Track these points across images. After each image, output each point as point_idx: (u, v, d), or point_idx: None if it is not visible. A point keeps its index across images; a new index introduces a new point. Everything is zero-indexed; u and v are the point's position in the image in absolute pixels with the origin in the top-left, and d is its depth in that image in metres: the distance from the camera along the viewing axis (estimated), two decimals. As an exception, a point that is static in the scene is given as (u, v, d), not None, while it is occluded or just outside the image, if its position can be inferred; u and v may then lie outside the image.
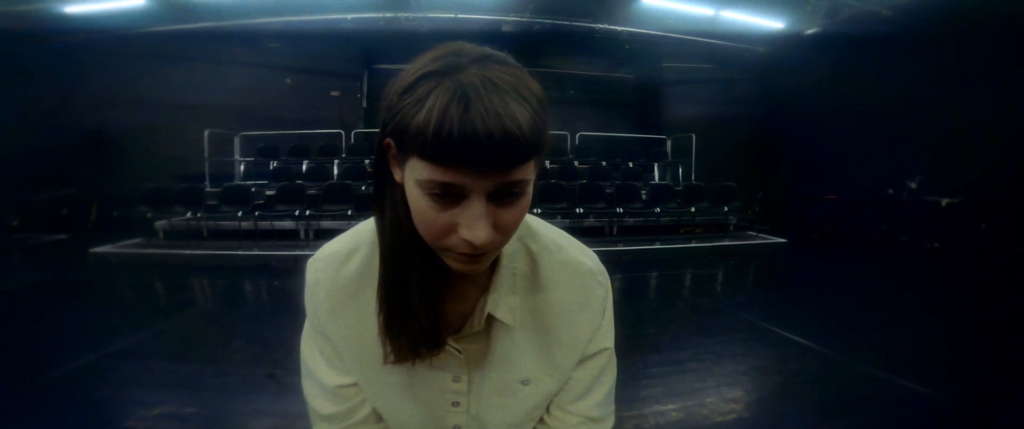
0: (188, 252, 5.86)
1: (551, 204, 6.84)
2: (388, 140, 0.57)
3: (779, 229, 7.72)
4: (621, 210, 6.88)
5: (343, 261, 0.71)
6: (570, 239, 0.79)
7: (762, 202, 9.94)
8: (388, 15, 8.67)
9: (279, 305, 4.36)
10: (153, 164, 8.94)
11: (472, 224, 0.52)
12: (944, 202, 6.93)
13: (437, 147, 0.47)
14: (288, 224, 6.54)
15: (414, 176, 0.52)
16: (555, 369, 0.75)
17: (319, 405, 0.76)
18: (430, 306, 0.64)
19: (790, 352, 3.19)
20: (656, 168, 9.38)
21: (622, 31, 9.35)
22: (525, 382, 0.75)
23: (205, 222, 6.49)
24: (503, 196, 0.53)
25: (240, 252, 5.88)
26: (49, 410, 2.37)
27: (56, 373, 2.72)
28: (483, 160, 0.48)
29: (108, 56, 9.07)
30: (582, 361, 0.77)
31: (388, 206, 0.62)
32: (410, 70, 0.54)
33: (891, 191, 7.82)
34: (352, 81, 10.17)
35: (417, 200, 0.54)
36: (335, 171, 7.85)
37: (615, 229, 7.15)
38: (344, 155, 8.36)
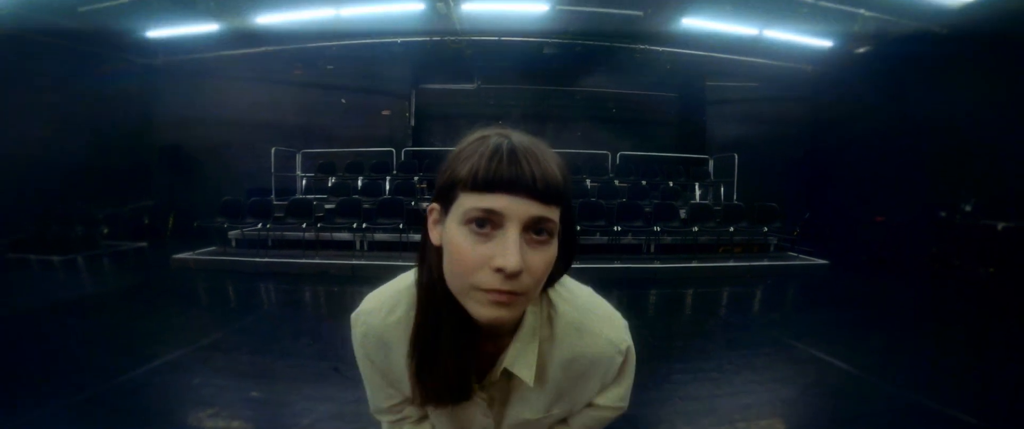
0: (258, 260, 6.45)
1: (590, 221, 7.12)
2: (433, 205, 0.69)
3: (825, 251, 7.67)
4: (658, 228, 7.08)
5: (387, 314, 0.80)
6: (597, 305, 0.84)
7: (809, 223, 9.86)
8: (435, 38, 9.22)
9: (338, 308, 4.86)
10: (223, 178, 9.79)
11: (505, 252, 0.60)
12: (1000, 226, 6.72)
13: (486, 176, 0.61)
14: (345, 235, 7.05)
15: (459, 213, 0.63)
16: (569, 406, 0.86)
17: (375, 408, 0.93)
18: (458, 357, 0.72)
19: (811, 367, 3.38)
20: (697, 187, 9.47)
21: (663, 51, 9.54)
22: (547, 417, 0.85)
23: (272, 233, 7.08)
24: (534, 234, 0.63)
25: (303, 260, 6.43)
26: (153, 396, 2.82)
27: (156, 363, 3.21)
28: (523, 188, 0.60)
29: (184, 77, 10.06)
30: (594, 406, 0.86)
31: (425, 266, 0.73)
32: (457, 148, 0.67)
33: (943, 214, 7.62)
34: (401, 100, 10.75)
35: (458, 240, 0.63)
36: (387, 187, 8.35)
37: (652, 247, 7.33)
38: (395, 172, 8.87)
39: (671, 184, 9.11)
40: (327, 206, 7.41)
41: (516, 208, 0.60)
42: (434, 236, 0.69)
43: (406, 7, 8.26)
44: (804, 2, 7.52)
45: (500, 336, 0.77)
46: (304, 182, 9.12)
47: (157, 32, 8.87)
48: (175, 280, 5.98)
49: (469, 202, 0.62)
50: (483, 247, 0.61)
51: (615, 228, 7.08)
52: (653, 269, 6.61)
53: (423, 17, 8.48)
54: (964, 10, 7.11)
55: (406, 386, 0.81)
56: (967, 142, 7.28)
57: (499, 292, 0.61)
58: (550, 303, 0.79)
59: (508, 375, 0.78)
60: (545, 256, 0.64)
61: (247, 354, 3.40)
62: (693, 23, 8.57)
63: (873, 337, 4.18)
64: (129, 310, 4.67)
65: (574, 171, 9.23)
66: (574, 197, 7.49)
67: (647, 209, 7.52)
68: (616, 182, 8.91)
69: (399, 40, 9.32)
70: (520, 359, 0.75)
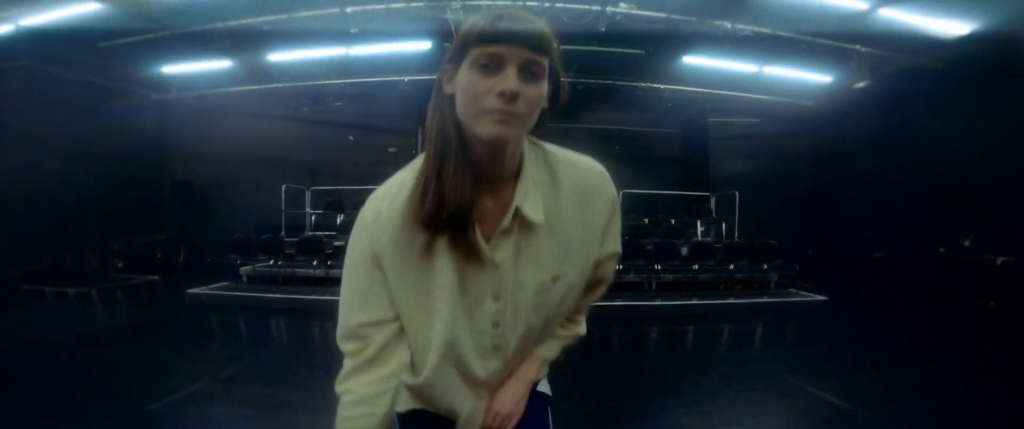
0: (270, 296, 6.65)
1: (593, 260, 7.25)
2: (446, 66, 0.85)
3: (826, 287, 7.73)
4: (659, 267, 7.24)
5: (396, 192, 0.90)
6: (581, 155, 1.00)
7: (811, 259, 9.94)
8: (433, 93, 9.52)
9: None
10: (233, 213, 10.00)
11: (506, 81, 0.77)
12: (999, 260, 6.79)
13: (491, 32, 0.77)
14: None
15: (470, 61, 0.79)
16: (577, 261, 0.95)
17: (343, 344, 0.94)
18: (461, 186, 0.82)
19: (802, 401, 3.52)
20: (699, 225, 9.64)
21: (665, 89, 9.75)
22: (555, 278, 0.93)
23: (284, 269, 7.30)
24: (527, 74, 0.79)
25: (314, 297, 6.62)
26: (180, 426, 2.99)
27: (179, 394, 3.38)
28: (518, 38, 0.77)
29: (196, 112, 10.30)
30: (598, 263, 1.00)
31: (437, 112, 0.87)
32: (467, 21, 0.82)
33: (942, 249, 7.68)
34: (408, 138, 10.93)
35: (471, 78, 0.79)
36: (394, 227, 8.53)
37: (654, 284, 7.48)
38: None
39: (673, 222, 9.31)
40: (336, 243, 7.63)
41: (513, 52, 0.77)
42: (448, 88, 0.85)
43: (413, 47, 8.58)
44: (802, 39, 7.69)
45: (503, 185, 0.90)
46: (313, 219, 9.35)
47: (172, 68, 9.20)
48: (190, 314, 6.19)
49: (478, 51, 0.78)
50: (489, 81, 0.78)
51: (617, 267, 7.23)
52: (654, 307, 6.75)
53: (429, 56, 8.75)
54: (959, 44, 7.22)
55: (395, 300, 0.91)
56: (965, 177, 7.36)
57: (502, 112, 0.78)
58: (540, 148, 0.95)
59: (517, 231, 0.89)
60: (536, 90, 0.80)
61: (264, 386, 3.58)
62: (694, 61, 8.81)
63: (867, 372, 4.28)
64: (148, 342, 4.87)
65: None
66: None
67: (648, 247, 7.68)
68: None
69: (406, 78, 9.54)
70: (528, 200, 0.88)
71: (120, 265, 8.56)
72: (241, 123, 10.48)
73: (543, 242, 0.91)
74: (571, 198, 0.93)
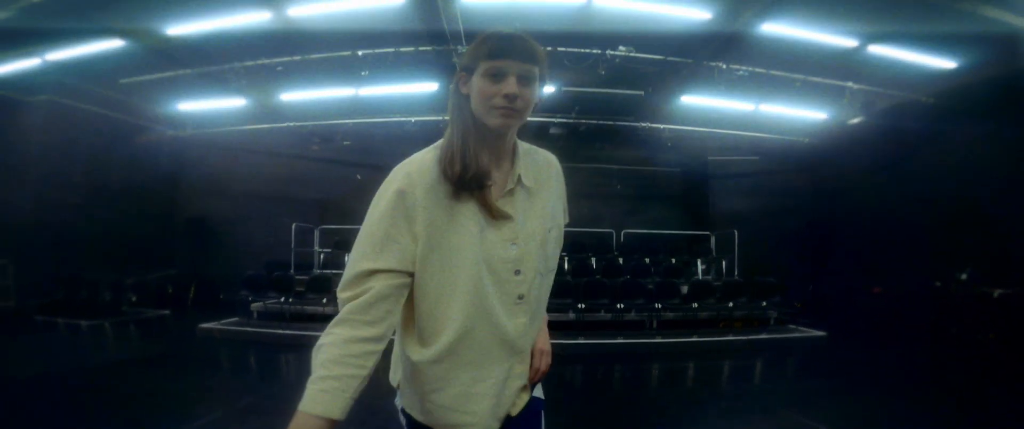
0: (280, 331, 6.82)
1: (594, 300, 7.47)
2: (461, 73, 1.11)
3: (826, 322, 7.80)
4: (659, 305, 7.40)
5: (421, 161, 1.11)
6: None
7: (812, 295, 10.02)
8: (445, 117, 9.81)
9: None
10: (242, 251, 10.14)
11: (508, 85, 1.03)
12: (996, 293, 6.89)
13: (497, 52, 1.03)
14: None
15: (481, 71, 1.05)
16: (558, 218, 1.26)
17: (341, 293, 1.04)
18: (478, 160, 1.07)
19: (793, 433, 3.66)
20: (699, 263, 9.78)
21: (665, 128, 10.00)
22: (550, 230, 1.21)
23: (293, 307, 7.48)
24: (523, 80, 1.04)
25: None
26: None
27: (199, 422, 3.54)
28: (516, 55, 1.03)
29: (209, 149, 10.58)
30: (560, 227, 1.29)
31: (457, 109, 1.12)
32: (477, 39, 1.08)
33: (939, 283, 7.80)
34: (414, 178, 11.23)
35: (483, 84, 1.05)
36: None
37: (655, 323, 7.61)
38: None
39: (673, 261, 9.46)
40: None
41: (513, 66, 1.04)
42: (463, 89, 1.12)
43: (420, 88, 8.95)
44: (795, 78, 7.92)
45: (503, 162, 1.16)
46: (322, 257, 9.55)
47: (188, 105, 9.50)
48: (202, 348, 6.35)
49: (487, 65, 1.05)
50: (496, 86, 1.05)
51: (618, 306, 7.41)
52: (655, 344, 6.87)
53: (436, 98, 9.06)
54: (948, 78, 7.46)
55: (407, 254, 1.04)
56: (960, 211, 7.46)
57: (506, 108, 1.05)
58: (529, 151, 1.24)
59: (518, 192, 1.16)
60: (530, 91, 1.07)
61: (280, 417, 3.70)
62: (692, 101, 9.09)
63: (860, 403, 4.39)
64: (165, 374, 5.04)
65: (580, 249, 9.67)
66: (579, 275, 7.72)
67: (649, 286, 7.82)
68: (620, 260, 9.27)
69: (413, 119, 9.87)
70: (524, 171, 1.17)
71: (134, 299, 8.74)
72: (252, 160, 10.74)
73: (535, 201, 1.19)
74: (546, 173, 1.25)
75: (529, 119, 1.14)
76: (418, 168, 1.08)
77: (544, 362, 1.26)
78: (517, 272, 1.13)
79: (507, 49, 1.04)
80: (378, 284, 1.01)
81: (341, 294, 1.03)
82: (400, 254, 1.03)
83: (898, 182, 8.79)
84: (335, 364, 0.95)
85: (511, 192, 1.15)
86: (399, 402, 1.24)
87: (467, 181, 1.06)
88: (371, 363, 0.98)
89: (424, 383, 1.12)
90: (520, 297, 1.14)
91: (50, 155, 8.38)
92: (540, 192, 1.21)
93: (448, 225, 1.07)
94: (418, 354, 1.11)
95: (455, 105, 1.13)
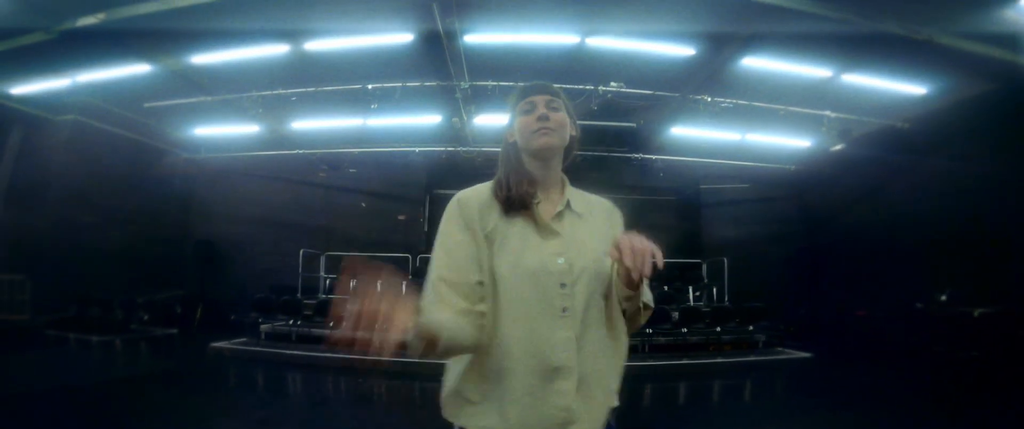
0: (288, 352, 7.11)
1: (589, 327, 7.67)
2: (509, 130, 1.38)
3: (813, 344, 7.97)
4: (651, 331, 7.69)
5: (474, 190, 1.32)
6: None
7: (802, 318, 10.22)
8: (449, 148, 10.15)
9: (366, 398, 5.43)
10: (249, 273, 10.46)
11: (539, 110, 1.30)
12: (976, 312, 7.07)
13: (524, 90, 1.35)
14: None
15: (518, 114, 1.34)
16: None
17: (437, 276, 1.22)
18: (521, 185, 1.28)
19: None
20: (691, 290, 10.03)
21: (657, 158, 10.47)
22: (605, 253, 1.24)
23: (300, 328, 7.78)
24: (550, 107, 1.31)
25: (329, 354, 7.06)
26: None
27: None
28: (539, 90, 1.34)
29: (221, 173, 10.94)
30: None
31: (506, 154, 1.37)
32: (509, 99, 1.40)
33: (920, 305, 8.01)
34: (417, 206, 11.50)
35: (520, 121, 1.33)
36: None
37: (647, 347, 7.88)
38: (411, 277, 9.52)
39: (665, 288, 9.73)
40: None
41: (539, 98, 1.33)
42: (510, 139, 1.38)
43: (425, 120, 9.36)
44: (776, 108, 8.29)
45: (552, 193, 1.36)
46: (327, 282, 9.83)
47: (204, 130, 9.86)
48: (213, 365, 6.63)
49: (521, 105, 1.34)
50: (530, 116, 1.32)
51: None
52: (648, 366, 7.12)
53: (439, 130, 9.54)
54: (921, 103, 7.78)
55: (475, 266, 1.22)
56: (938, 233, 7.70)
57: (542, 128, 1.29)
58: (565, 179, 1.41)
59: (569, 218, 1.32)
60: (559, 115, 1.33)
61: None
62: (681, 132, 9.54)
63: (844, 422, 4.61)
64: (180, 389, 5.34)
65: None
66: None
67: (642, 313, 8.04)
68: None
69: (417, 149, 10.25)
70: (573, 199, 1.35)
71: (146, 318, 8.93)
72: (262, 185, 11.09)
73: (584, 224, 1.33)
74: (599, 208, 1.41)
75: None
76: (473, 191, 1.33)
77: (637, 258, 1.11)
78: (562, 285, 1.22)
79: (531, 89, 1.36)
80: (452, 292, 1.20)
81: (430, 294, 1.20)
82: (469, 264, 1.23)
83: (879, 207, 9.09)
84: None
85: (560, 214, 1.31)
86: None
87: (513, 200, 1.27)
88: (462, 320, 1.17)
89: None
90: (565, 309, 1.21)
91: (71, 174, 8.65)
92: (589, 219, 1.35)
93: (503, 231, 1.25)
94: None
95: (504, 152, 1.39)
